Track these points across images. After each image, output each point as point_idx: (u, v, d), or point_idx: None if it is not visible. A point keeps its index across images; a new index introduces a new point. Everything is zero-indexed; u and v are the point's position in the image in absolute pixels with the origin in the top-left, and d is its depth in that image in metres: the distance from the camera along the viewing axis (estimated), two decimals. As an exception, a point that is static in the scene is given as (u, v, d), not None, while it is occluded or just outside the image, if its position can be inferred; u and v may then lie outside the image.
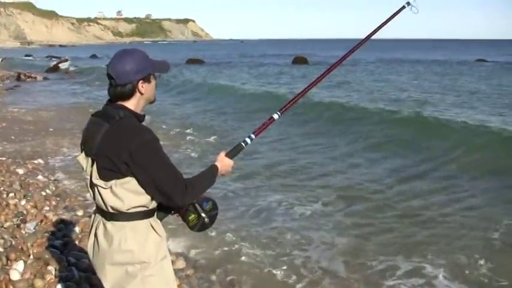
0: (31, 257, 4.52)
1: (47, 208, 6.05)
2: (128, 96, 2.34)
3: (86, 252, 4.51)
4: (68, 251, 4.72)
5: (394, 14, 3.35)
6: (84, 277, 4.24)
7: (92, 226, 2.50)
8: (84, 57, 57.41)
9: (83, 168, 2.42)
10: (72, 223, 5.54)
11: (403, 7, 3.37)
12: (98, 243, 2.40)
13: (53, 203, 6.33)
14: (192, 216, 2.48)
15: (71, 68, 37.03)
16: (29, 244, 4.76)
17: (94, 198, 2.40)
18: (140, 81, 2.34)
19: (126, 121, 2.31)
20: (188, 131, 12.62)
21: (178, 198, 2.33)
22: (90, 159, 2.36)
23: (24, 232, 5.10)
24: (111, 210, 2.34)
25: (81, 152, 2.45)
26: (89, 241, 2.50)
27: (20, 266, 4.28)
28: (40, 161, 8.91)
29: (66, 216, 5.81)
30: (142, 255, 2.36)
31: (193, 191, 2.39)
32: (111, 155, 2.24)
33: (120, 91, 2.32)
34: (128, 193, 2.29)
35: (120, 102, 2.37)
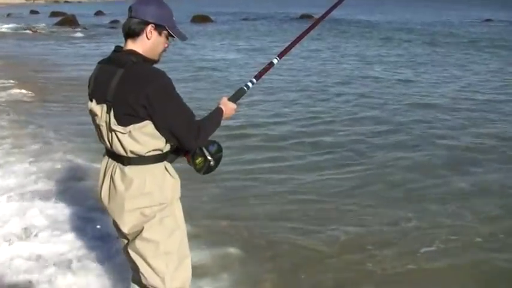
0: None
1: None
2: (136, 34, 2.42)
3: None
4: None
5: None
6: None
7: (105, 172, 2.58)
8: (89, 13, 56.76)
9: (96, 115, 2.45)
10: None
11: None
12: (115, 187, 2.49)
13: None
14: (199, 160, 2.60)
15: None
16: None
17: (110, 144, 2.45)
18: (151, 25, 2.42)
19: (141, 65, 2.39)
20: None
21: (192, 142, 2.46)
22: (105, 105, 2.39)
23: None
24: (130, 155, 2.42)
25: (91, 101, 2.49)
26: (103, 186, 2.57)
27: None
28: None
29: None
30: (161, 197, 2.50)
31: (205, 134, 2.52)
32: (129, 99, 2.30)
33: (131, 24, 2.41)
34: (146, 137, 2.37)
35: (128, 46, 2.44)
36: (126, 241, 2.70)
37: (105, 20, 43.32)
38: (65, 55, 20.32)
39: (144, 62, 2.44)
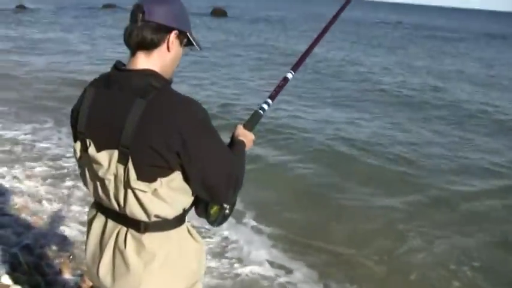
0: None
1: None
2: (153, 45, 1.70)
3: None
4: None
5: None
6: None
7: (101, 239, 1.82)
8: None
9: (99, 165, 1.68)
10: None
11: None
12: (125, 263, 1.74)
13: None
14: (215, 209, 1.94)
15: None
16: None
17: (122, 205, 1.71)
18: (175, 32, 1.73)
19: (168, 94, 1.67)
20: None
21: (230, 195, 1.77)
22: (116, 152, 1.66)
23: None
24: (153, 219, 1.72)
25: (87, 143, 1.72)
26: (103, 261, 1.79)
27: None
28: None
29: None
30: (189, 272, 1.86)
31: (241, 183, 1.81)
32: (157, 144, 1.60)
33: (146, 31, 1.68)
34: (174, 194, 1.70)
35: (140, 63, 1.71)
36: None
37: (10, 4, 39.77)
38: None
39: (168, 85, 1.73)
